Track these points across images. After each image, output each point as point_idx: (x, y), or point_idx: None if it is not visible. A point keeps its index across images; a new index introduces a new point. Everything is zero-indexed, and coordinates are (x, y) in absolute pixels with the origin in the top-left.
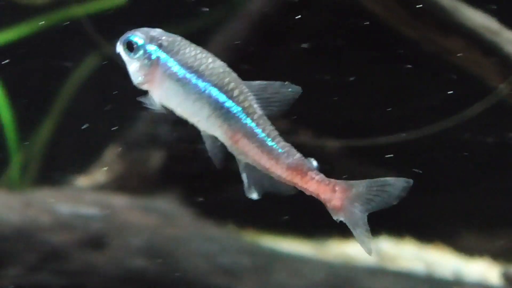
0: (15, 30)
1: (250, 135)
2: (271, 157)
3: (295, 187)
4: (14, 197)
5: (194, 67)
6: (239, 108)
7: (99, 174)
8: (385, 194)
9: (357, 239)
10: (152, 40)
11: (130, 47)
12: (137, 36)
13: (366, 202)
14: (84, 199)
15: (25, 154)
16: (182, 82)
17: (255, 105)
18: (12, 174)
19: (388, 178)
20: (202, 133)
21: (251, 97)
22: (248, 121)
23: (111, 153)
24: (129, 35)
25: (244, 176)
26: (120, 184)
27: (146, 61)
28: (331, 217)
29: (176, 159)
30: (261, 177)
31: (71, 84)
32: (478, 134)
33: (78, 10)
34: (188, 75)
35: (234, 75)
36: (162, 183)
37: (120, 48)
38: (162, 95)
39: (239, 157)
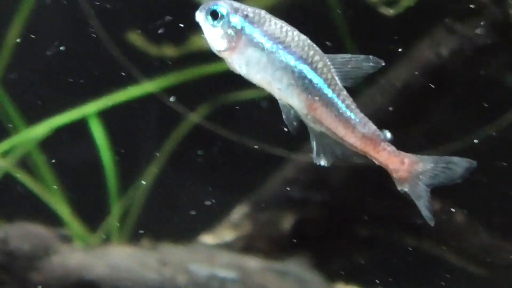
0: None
1: (329, 104)
2: (348, 125)
3: (365, 157)
4: (149, 254)
5: (280, 38)
6: (321, 79)
7: (226, 233)
8: (449, 171)
9: (420, 209)
10: (236, 10)
11: (215, 15)
12: (222, 6)
13: (431, 177)
14: (217, 259)
15: (127, 202)
16: (267, 51)
17: (336, 78)
18: (111, 223)
19: (454, 157)
20: (279, 101)
21: (333, 70)
22: (328, 91)
23: (240, 212)
24: (213, 4)
25: (313, 144)
26: (248, 244)
27: (230, 30)
28: None
29: (306, 221)
30: (333, 145)
31: (181, 130)
32: None
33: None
34: (273, 45)
35: (317, 48)
36: (291, 246)
37: (200, 17)
38: (243, 63)
39: (313, 125)
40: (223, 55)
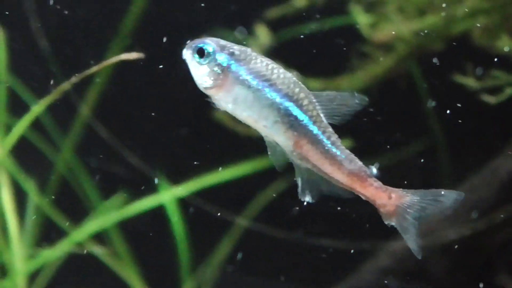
0: None
1: (315, 141)
2: (335, 162)
3: (352, 192)
4: None
5: (266, 75)
6: (306, 117)
7: None
8: (438, 204)
9: (407, 242)
10: (223, 48)
11: (201, 53)
12: (208, 44)
13: (419, 210)
14: None
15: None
16: (253, 88)
17: (321, 115)
18: None
19: (441, 190)
20: (265, 139)
21: (318, 107)
22: (314, 128)
23: None
24: (199, 42)
25: (299, 180)
26: None
27: (216, 67)
28: None
29: None
30: (318, 182)
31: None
32: None
33: None
34: (259, 83)
35: (303, 86)
36: None
37: (187, 54)
38: (230, 101)
39: (299, 162)
40: (210, 92)
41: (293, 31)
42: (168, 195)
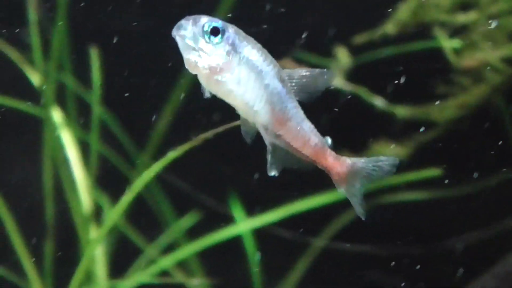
0: None
1: (293, 117)
2: (305, 138)
3: (310, 164)
4: None
5: (262, 54)
6: (287, 96)
7: None
8: (379, 169)
9: (354, 206)
10: (226, 25)
11: (215, 32)
12: (216, 21)
13: (364, 176)
14: None
15: None
16: (255, 68)
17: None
18: None
19: (381, 156)
20: (241, 117)
21: (292, 84)
22: (292, 106)
23: None
24: (206, 21)
25: (269, 157)
26: None
27: (229, 46)
28: None
29: None
30: (284, 156)
31: None
32: None
33: None
34: (259, 62)
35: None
36: None
37: (190, 33)
38: (232, 82)
39: (275, 139)
40: (212, 74)
41: (374, 54)
42: (245, 225)
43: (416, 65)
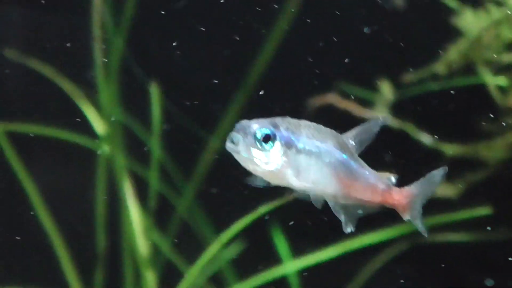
0: None
1: (360, 175)
2: (373, 188)
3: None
4: None
5: (313, 135)
6: (350, 158)
7: None
8: (431, 184)
9: (417, 227)
10: (275, 125)
11: (266, 139)
12: (264, 126)
13: (423, 197)
14: None
15: None
16: (312, 153)
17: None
18: None
19: (433, 172)
20: (312, 198)
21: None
22: (356, 164)
23: None
24: (252, 128)
25: (342, 217)
26: None
27: (282, 147)
28: None
29: None
30: (353, 210)
31: None
32: None
33: None
34: (313, 145)
35: (335, 132)
36: None
37: (244, 144)
38: (293, 174)
39: (345, 201)
40: (274, 174)
41: (419, 88)
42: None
43: (463, 102)
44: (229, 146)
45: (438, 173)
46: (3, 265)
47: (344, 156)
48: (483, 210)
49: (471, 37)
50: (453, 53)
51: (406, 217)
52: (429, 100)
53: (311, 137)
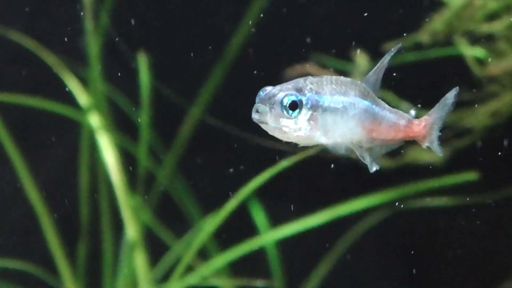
0: None
1: (383, 118)
2: (396, 127)
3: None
4: None
5: (337, 90)
6: (373, 103)
7: None
8: (446, 107)
9: (434, 150)
10: (299, 90)
11: (293, 106)
12: (291, 93)
13: (439, 122)
14: None
15: None
16: (337, 110)
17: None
18: None
19: (446, 96)
20: (338, 148)
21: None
22: (379, 107)
23: None
24: (282, 96)
25: (367, 158)
26: None
27: (308, 112)
28: None
29: None
30: (376, 150)
31: None
32: None
33: None
34: (338, 101)
35: (355, 81)
36: None
37: (271, 114)
38: (321, 134)
39: (370, 144)
40: (303, 137)
41: (397, 59)
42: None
43: (443, 72)
44: (255, 117)
45: (450, 95)
46: None
47: (366, 103)
48: (469, 176)
49: (456, 7)
50: (438, 23)
51: (425, 144)
52: (410, 70)
53: (334, 93)
